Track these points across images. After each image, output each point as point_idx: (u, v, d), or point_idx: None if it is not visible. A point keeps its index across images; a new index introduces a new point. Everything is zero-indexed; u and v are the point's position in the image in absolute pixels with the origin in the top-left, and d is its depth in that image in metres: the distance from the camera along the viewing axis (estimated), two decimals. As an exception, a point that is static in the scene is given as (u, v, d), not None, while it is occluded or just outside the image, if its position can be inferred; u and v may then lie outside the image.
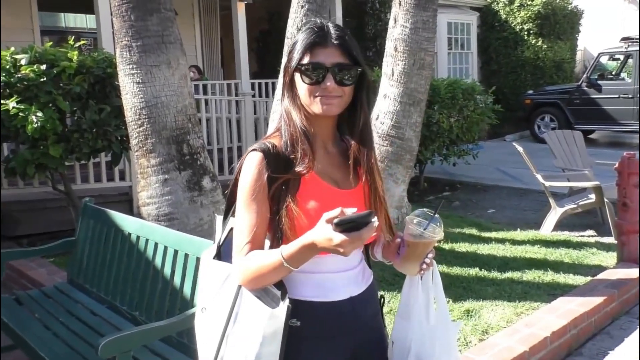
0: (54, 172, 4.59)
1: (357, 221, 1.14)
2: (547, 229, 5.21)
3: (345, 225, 1.14)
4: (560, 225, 5.25)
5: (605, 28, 14.35)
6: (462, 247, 4.70)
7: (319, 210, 1.24)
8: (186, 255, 2.44)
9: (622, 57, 11.30)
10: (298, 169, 1.31)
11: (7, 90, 4.09)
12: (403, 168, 4.39)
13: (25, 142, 4.26)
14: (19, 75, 4.08)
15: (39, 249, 3.45)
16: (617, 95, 10.67)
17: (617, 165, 4.15)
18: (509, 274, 4.03)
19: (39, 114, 3.96)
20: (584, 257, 4.45)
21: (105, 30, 5.60)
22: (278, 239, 1.29)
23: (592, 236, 5.13)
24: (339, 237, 1.14)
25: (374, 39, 10.76)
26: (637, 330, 3.35)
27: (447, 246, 4.68)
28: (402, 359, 1.48)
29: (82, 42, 4.67)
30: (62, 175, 4.69)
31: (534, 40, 12.84)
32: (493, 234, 5.11)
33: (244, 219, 1.31)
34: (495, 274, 4.04)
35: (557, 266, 4.19)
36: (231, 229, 1.40)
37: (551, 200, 5.27)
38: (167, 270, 2.54)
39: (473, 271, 4.10)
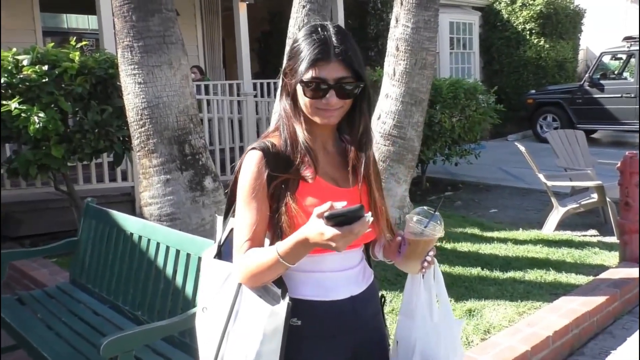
0: (56, 172, 4.60)
1: (348, 215, 1.13)
2: (549, 229, 5.21)
3: (337, 219, 1.13)
4: (562, 225, 5.25)
5: (607, 27, 14.33)
6: (464, 246, 4.70)
7: None
8: (188, 255, 2.45)
9: (624, 57, 11.28)
10: (304, 176, 1.32)
11: (10, 91, 4.10)
12: (405, 168, 4.39)
13: (28, 143, 4.27)
14: (21, 76, 4.09)
15: (42, 249, 3.46)
16: (619, 95, 10.65)
17: (619, 165, 4.14)
18: (511, 274, 4.03)
19: (41, 114, 3.97)
20: (586, 256, 4.44)
21: (107, 30, 5.61)
22: (278, 237, 1.29)
23: (595, 236, 5.12)
24: (330, 232, 1.13)
25: (375, 39, 10.76)
26: (638, 330, 3.34)
27: (449, 246, 4.68)
28: (407, 357, 1.48)
29: (84, 43, 4.67)
30: (65, 176, 4.70)
31: (536, 40, 12.83)
32: (495, 234, 5.10)
33: (244, 217, 1.31)
34: (497, 274, 4.03)
35: (560, 266, 4.19)
36: (232, 229, 1.40)
37: (553, 200, 5.26)
38: (169, 270, 2.54)
39: (475, 271, 4.10)
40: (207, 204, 3.52)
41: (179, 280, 2.46)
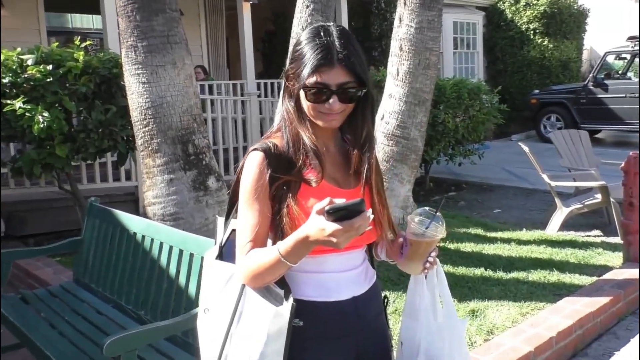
0: (60, 172, 4.61)
1: (348, 209, 1.13)
2: (553, 229, 5.19)
3: (337, 214, 1.13)
4: (566, 225, 5.23)
5: (611, 27, 14.29)
6: (468, 247, 4.69)
7: None
8: (191, 255, 2.45)
9: (628, 56, 11.25)
10: (309, 180, 1.31)
11: (14, 91, 4.12)
12: (408, 168, 4.38)
13: (32, 142, 4.28)
14: (26, 76, 4.11)
15: (45, 249, 3.47)
16: (623, 95, 10.61)
17: (623, 165, 4.13)
18: (514, 274, 4.02)
19: (45, 114, 3.98)
20: (590, 257, 4.43)
21: (112, 30, 5.62)
22: (279, 239, 1.29)
23: (598, 236, 5.11)
24: (331, 227, 1.13)
25: (379, 39, 10.75)
26: (639, 332, 3.33)
27: (452, 246, 4.67)
28: (411, 358, 1.48)
29: (88, 43, 4.68)
30: (69, 175, 4.71)
31: (540, 40, 12.80)
32: (499, 234, 5.09)
33: (246, 218, 1.31)
34: (500, 274, 4.03)
35: (563, 266, 4.18)
36: (233, 230, 1.40)
37: (557, 200, 5.25)
38: (172, 270, 2.55)
39: (478, 271, 4.09)
40: (210, 203, 3.53)
41: (182, 280, 2.47)
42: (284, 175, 1.31)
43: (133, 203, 5.63)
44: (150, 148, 3.46)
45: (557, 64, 12.94)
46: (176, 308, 2.46)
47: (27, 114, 3.96)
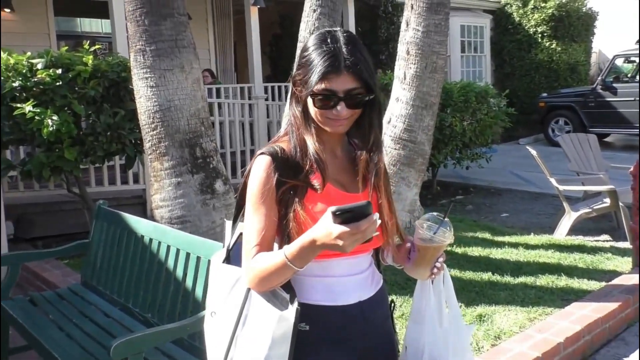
0: (69, 174, 4.65)
1: (355, 211, 1.13)
2: (561, 233, 5.17)
3: (344, 216, 1.13)
4: (574, 230, 5.20)
5: (620, 30, 14.21)
6: (475, 251, 4.68)
7: None
8: (198, 258, 2.46)
9: (637, 60, 11.17)
10: (314, 185, 1.32)
11: (24, 94, 4.16)
12: (415, 172, 4.38)
13: (41, 145, 4.32)
14: (35, 80, 4.14)
15: (54, 251, 3.49)
16: (632, 98, 10.54)
17: (632, 169, 4.10)
18: (522, 279, 4.00)
19: (55, 117, 4.01)
20: (599, 262, 4.40)
21: (120, 34, 5.66)
22: (286, 243, 1.29)
23: (607, 241, 5.08)
24: (337, 229, 1.13)
25: (386, 42, 10.76)
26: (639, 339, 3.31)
27: (459, 250, 4.66)
28: (416, 363, 1.47)
29: (97, 47, 4.72)
30: (77, 178, 4.75)
31: (548, 43, 12.75)
32: (506, 238, 5.07)
33: (253, 222, 1.32)
34: (508, 279, 4.01)
35: (571, 271, 4.15)
36: (241, 233, 1.41)
37: (565, 204, 5.22)
38: (179, 273, 2.55)
39: (486, 275, 4.07)
40: (217, 206, 3.54)
41: (188, 282, 2.48)
42: (290, 179, 1.31)
43: (141, 206, 5.66)
44: (158, 151, 3.48)
45: (565, 67, 12.88)
46: (183, 311, 2.46)
47: (37, 117, 3.99)
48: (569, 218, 5.17)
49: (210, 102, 5.97)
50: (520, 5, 13.00)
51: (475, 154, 7.35)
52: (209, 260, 2.31)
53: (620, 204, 5.04)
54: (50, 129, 3.97)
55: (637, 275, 3.89)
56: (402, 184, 4.33)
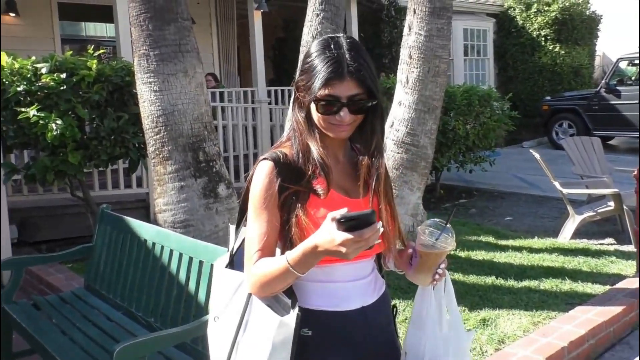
0: (72, 178, 4.66)
1: (359, 219, 1.13)
2: (565, 237, 5.15)
3: (348, 224, 1.13)
4: (578, 233, 5.19)
5: (624, 33, 14.20)
6: (479, 255, 4.67)
7: None
8: (201, 262, 2.46)
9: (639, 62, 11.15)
10: (317, 190, 1.32)
11: (28, 99, 4.17)
12: (418, 175, 4.37)
13: (45, 149, 4.33)
14: (40, 84, 4.16)
15: (57, 255, 3.50)
16: (636, 101, 10.51)
17: (636, 172, 4.09)
18: (526, 283, 3.99)
19: (59, 121, 4.02)
20: (603, 265, 4.38)
21: (124, 39, 5.68)
22: (288, 249, 1.29)
23: (611, 244, 5.06)
24: (341, 236, 1.13)
25: (389, 46, 10.77)
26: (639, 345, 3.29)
27: (463, 254, 4.65)
28: (415, 368, 1.47)
29: (101, 51, 4.74)
30: (81, 182, 4.76)
31: (552, 46, 12.74)
32: (510, 242, 5.06)
33: (255, 227, 1.32)
34: (512, 283, 4.00)
35: (575, 275, 4.14)
36: (244, 238, 1.41)
37: (569, 208, 5.20)
38: (182, 277, 2.56)
39: (489, 279, 4.06)
40: (220, 210, 3.54)
41: (191, 287, 2.48)
42: (293, 185, 1.31)
43: (144, 210, 5.66)
44: (161, 155, 3.49)
45: (568, 70, 12.86)
46: (186, 315, 2.47)
47: (41, 121, 4.00)
48: (573, 221, 5.15)
49: (213, 106, 5.99)
50: (524, 8, 13.00)
51: (479, 157, 7.34)
52: (212, 265, 2.31)
53: (625, 207, 5.02)
54: (54, 133, 3.99)
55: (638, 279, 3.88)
56: (405, 187, 4.32)
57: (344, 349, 1.37)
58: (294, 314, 1.27)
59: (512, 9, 13.14)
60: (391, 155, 4.29)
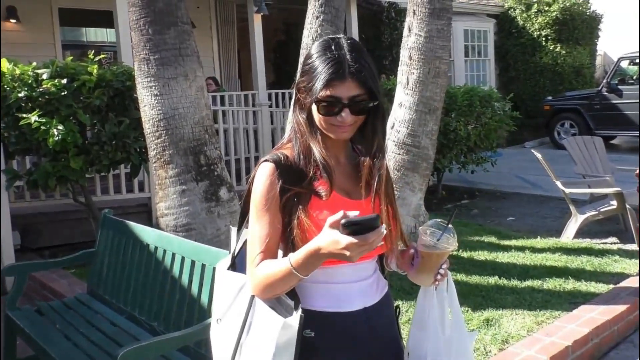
0: (74, 184, 4.67)
1: (363, 223, 1.14)
2: (568, 237, 5.14)
3: (352, 228, 1.13)
4: (581, 233, 5.18)
5: (625, 32, 14.19)
6: (481, 255, 4.66)
7: None
8: (203, 266, 2.46)
9: (641, 61, 11.14)
10: (319, 192, 1.32)
11: (29, 105, 4.18)
12: (420, 176, 4.37)
13: (47, 155, 4.34)
14: (41, 90, 4.17)
15: (60, 261, 3.51)
16: (638, 100, 10.50)
17: (638, 171, 4.08)
18: (529, 282, 3.98)
19: (60, 127, 4.04)
20: (606, 264, 4.37)
21: (125, 44, 5.69)
22: (290, 250, 1.29)
23: (614, 243, 5.05)
24: (345, 240, 1.13)
25: (389, 48, 10.77)
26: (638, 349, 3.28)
27: (466, 254, 4.64)
28: (418, 369, 1.47)
29: (102, 56, 4.75)
30: (83, 187, 4.76)
31: (552, 46, 12.74)
32: (513, 242, 5.05)
33: (257, 229, 1.32)
34: (515, 283, 3.99)
35: (579, 274, 4.13)
36: (246, 240, 1.41)
37: (572, 207, 5.20)
38: (184, 281, 2.56)
39: (492, 279, 4.06)
40: (222, 214, 3.54)
41: (194, 290, 2.48)
42: (294, 186, 1.31)
43: (146, 214, 5.67)
44: (162, 159, 3.49)
45: (569, 70, 12.86)
46: (189, 319, 2.47)
47: (42, 127, 4.02)
48: (576, 221, 5.14)
49: (214, 110, 5.99)
50: (524, 9, 13.00)
51: (481, 158, 7.33)
52: (214, 268, 2.31)
53: (627, 206, 5.01)
54: (56, 138, 4.00)
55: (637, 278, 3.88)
56: (406, 188, 4.32)
57: (347, 350, 1.37)
58: (297, 315, 1.27)
59: (512, 10, 13.15)
60: (392, 156, 4.29)
